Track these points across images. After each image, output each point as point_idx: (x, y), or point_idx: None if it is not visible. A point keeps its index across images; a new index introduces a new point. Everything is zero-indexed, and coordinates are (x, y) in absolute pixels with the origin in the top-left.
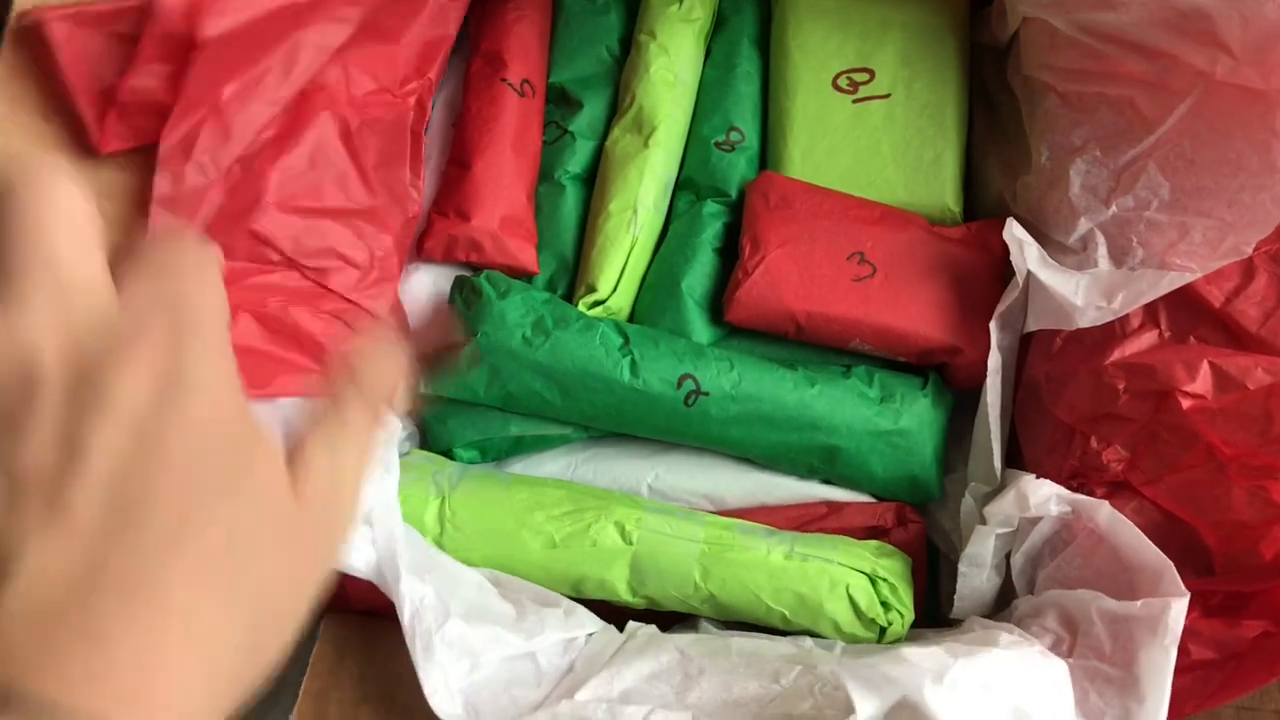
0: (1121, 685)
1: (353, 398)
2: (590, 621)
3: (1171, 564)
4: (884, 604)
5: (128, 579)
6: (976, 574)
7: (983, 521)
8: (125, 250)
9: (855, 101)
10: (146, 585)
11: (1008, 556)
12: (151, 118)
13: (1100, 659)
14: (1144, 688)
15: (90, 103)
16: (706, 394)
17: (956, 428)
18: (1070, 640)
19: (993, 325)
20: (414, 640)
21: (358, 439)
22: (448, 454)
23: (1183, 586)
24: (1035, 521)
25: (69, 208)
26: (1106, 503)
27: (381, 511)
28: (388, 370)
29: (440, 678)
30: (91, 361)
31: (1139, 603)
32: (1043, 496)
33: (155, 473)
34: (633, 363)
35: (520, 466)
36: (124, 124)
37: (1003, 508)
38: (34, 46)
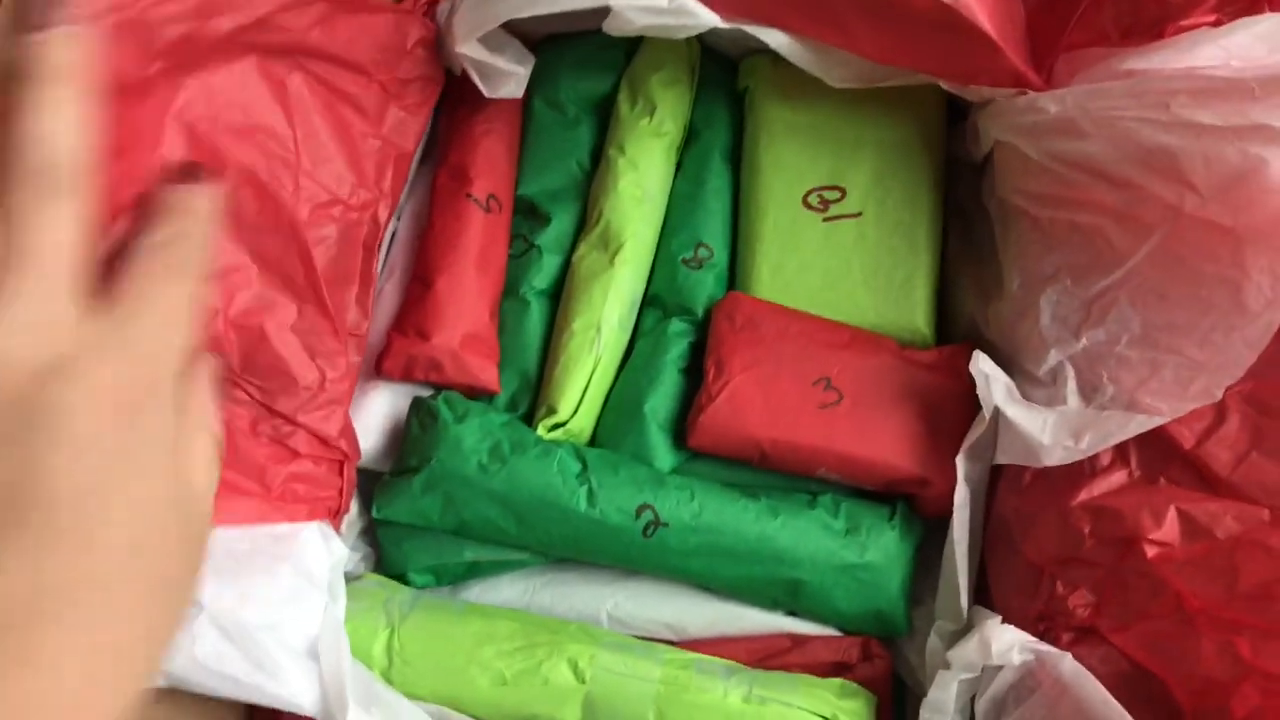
0: None
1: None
2: None
3: None
4: None
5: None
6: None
7: (946, 665)
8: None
9: (826, 220)
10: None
11: (973, 700)
12: None
13: None
14: None
15: None
16: (666, 525)
17: (925, 557)
18: None
19: (959, 460)
20: None
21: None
22: (402, 578)
23: None
24: (999, 668)
25: None
26: (1069, 655)
27: (329, 643)
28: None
29: None
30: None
31: None
32: (1006, 644)
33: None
34: (590, 491)
35: (477, 591)
36: None
37: (965, 653)
38: None
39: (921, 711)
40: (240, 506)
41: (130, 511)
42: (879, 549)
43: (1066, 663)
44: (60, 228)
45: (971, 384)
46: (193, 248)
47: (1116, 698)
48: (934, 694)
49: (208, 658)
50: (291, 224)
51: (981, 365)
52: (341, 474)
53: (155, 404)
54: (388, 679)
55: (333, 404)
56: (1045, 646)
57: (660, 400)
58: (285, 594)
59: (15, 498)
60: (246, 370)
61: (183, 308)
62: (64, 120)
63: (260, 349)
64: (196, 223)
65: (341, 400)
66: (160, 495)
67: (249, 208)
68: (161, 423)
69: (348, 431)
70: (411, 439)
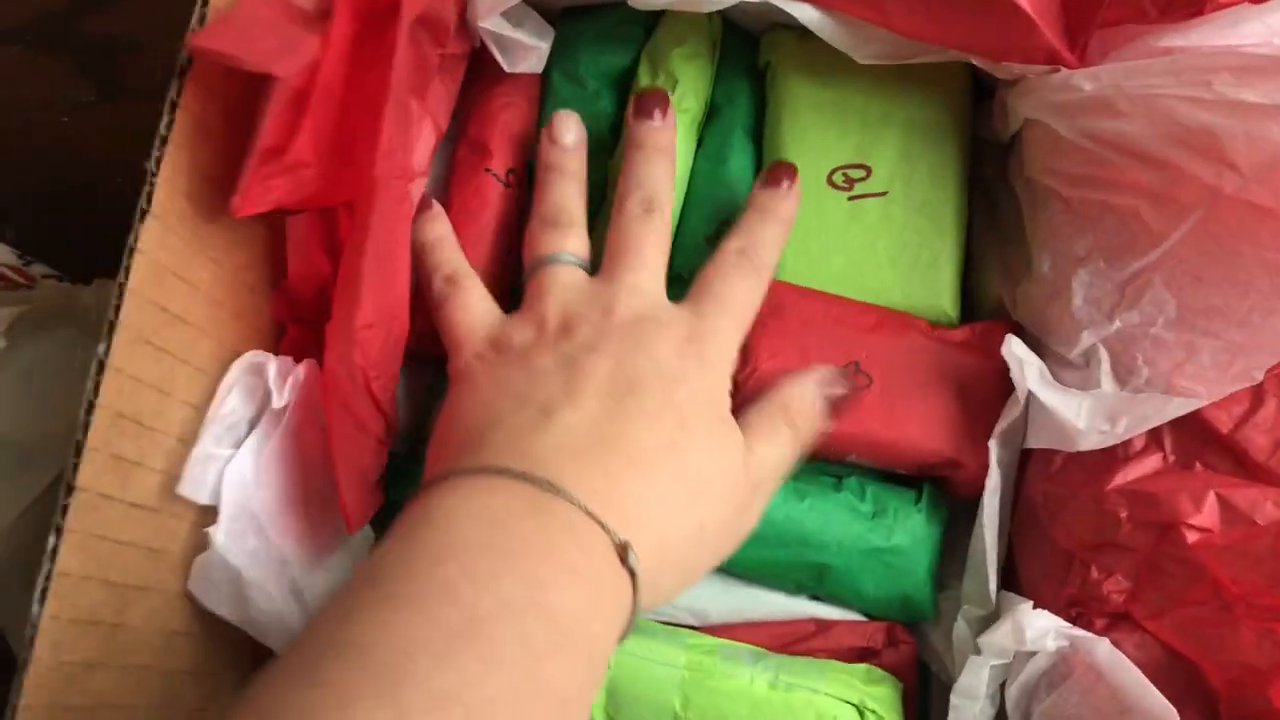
0: None
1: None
2: None
3: (1174, 709)
4: None
5: (624, 439)
6: (970, 706)
7: (976, 651)
8: None
9: (851, 199)
10: (632, 445)
11: (1002, 686)
12: (289, 180)
13: None
14: None
15: (255, 160)
16: None
17: (952, 541)
18: None
19: (992, 444)
20: None
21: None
22: None
23: None
24: (1032, 654)
25: None
26: (1106, 640)
27: None
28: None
29: None
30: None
31: None
32: (1039, 630)
33: (640, 373)
34: None
35: None
36: (265, 185)
37: (997, 639)
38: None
39: (952, 698)
40: None
41: (689, 413)
42: (906, 532)
43: (1103, 648)
44: (652, 236)
45: (1004, 362)
46: (763, 250)
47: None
48: (964, 680)
49: (279, 606)
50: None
51: (1014, 349)
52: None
53: (712, 363)
54: None
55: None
56: (1080, 632)
57: None
58: (344, 566)
59: (616, 381)
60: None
61: (748, 309)
62: (665, 175)
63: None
64: (771, 227)
65: (393, 381)
66: (709, 416)
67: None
68: (714, 375)
69: (391, 412)
70: (426, 422)
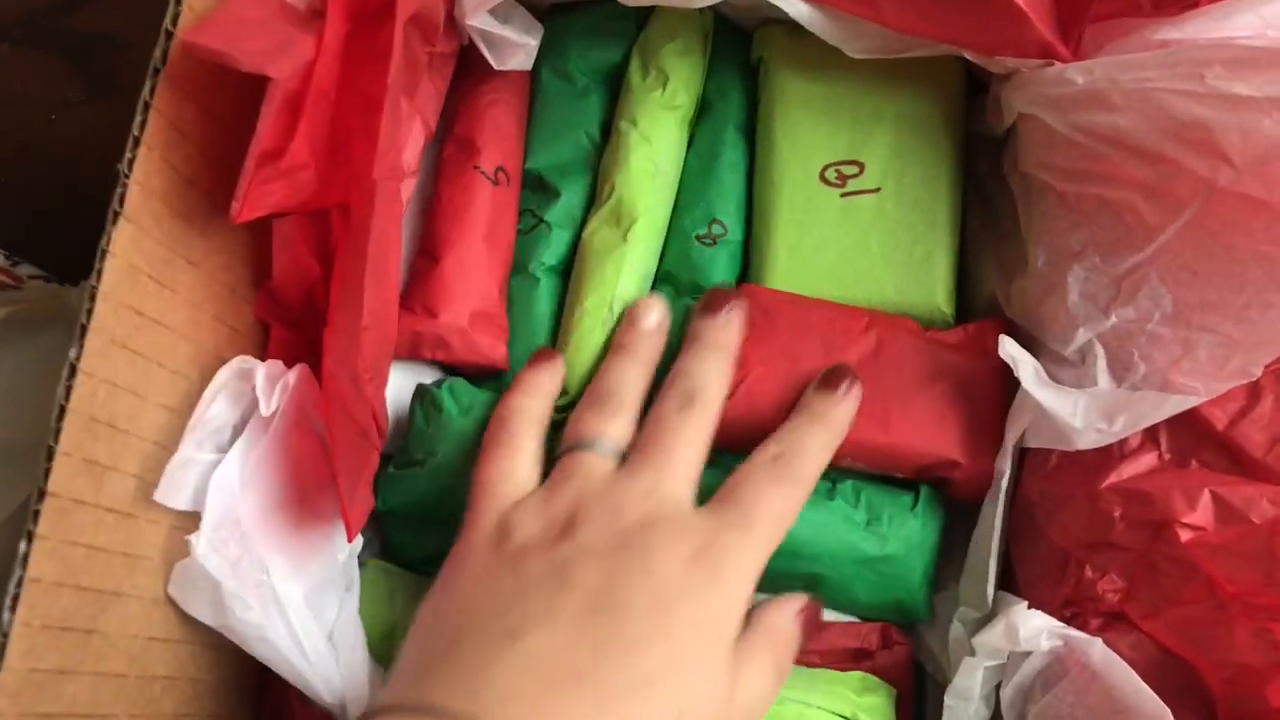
0: None
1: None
2: None
3: (1168, 710)
4: None
5: (597, 672)
6: (964, 708)
7: (971, 652)
8: None
9: (843, 195)
10: (604, 679)
11: (998, 687)
12: (287, 184)
13: None
14: None
15: (253, 164)
16: None
17: (949, 543)
18: None
19: (1006, 448)
20: None
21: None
22: (408, 566)
23: None
24: (1026, 655)
25: None
26: (1100, 640)
27: (347, 634)
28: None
29: None
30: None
31: None
32: (1033, 630)
33: (632, 590)
34: None
35: None
36: (263, 190)
37: (991, 639)
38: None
39: (946, 699)
40: None
41: (682, 640)
42: (900, 540)
43: (1097, 649)
44: (686, 432)
45: (999, 360)
46: (805, 458)
47: (1149, 686)
48: (959, 681)
49: (257, 617)
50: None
51: (1009, 349)
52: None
53: (724, 582)
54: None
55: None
56: (1074, 632)
57: None
58: (323, 574)
59: (602, 596)
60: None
61: (776, 523)
62: (715, 372)
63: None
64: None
65: (384, 383)
66: (708, 644)
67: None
68: (724, 596)
69: (383, 416)
70: (416, 431)
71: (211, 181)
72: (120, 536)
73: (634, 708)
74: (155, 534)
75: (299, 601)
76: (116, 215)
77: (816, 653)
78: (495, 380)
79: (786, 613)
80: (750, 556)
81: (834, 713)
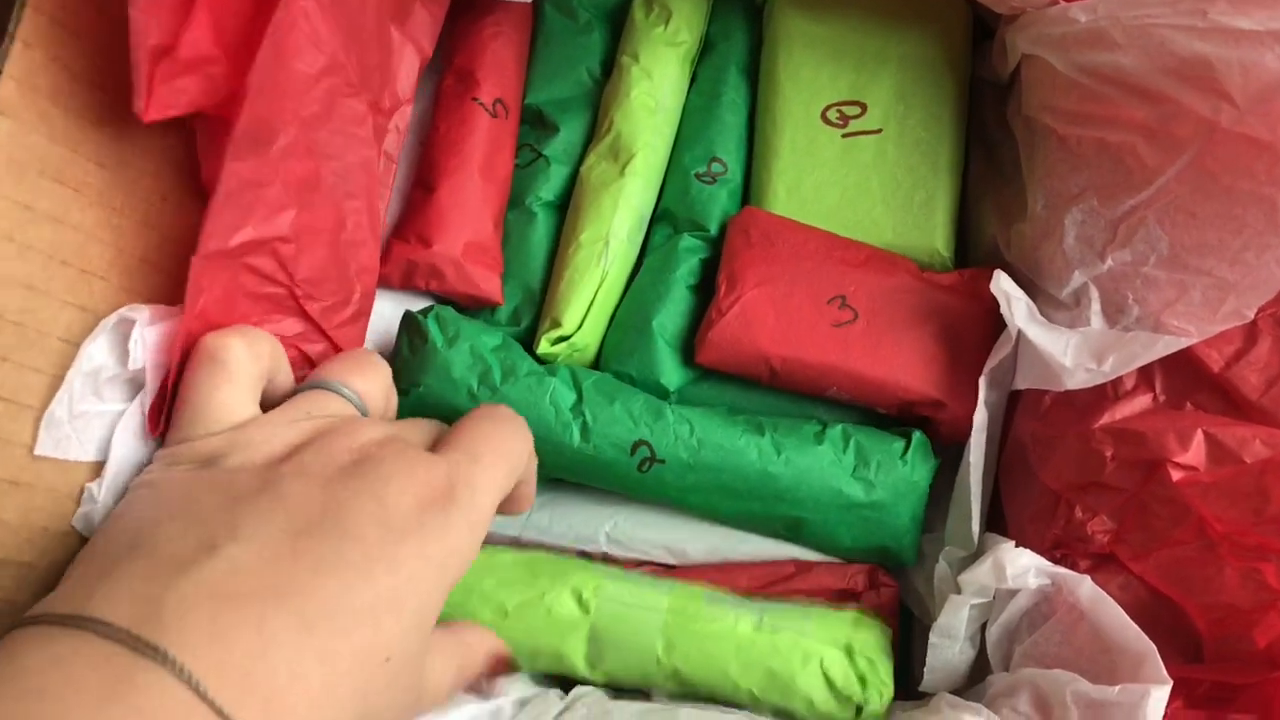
0: None
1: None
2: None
3: (1154, 647)
4: (861, 680)
5: (306, 596)
6: (949, 646)
7: (957, 590)
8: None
9: (845, 136)
10: (317, 610)
11: (984, 628)
12: (200, 79)
13: None
14: None
15: (143, 59)
16: (662, 462)
17: (937, 485)
18: None
19: (982, 382)
20: None
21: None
22: None
23: (1165, 673)
24: (1013, 593)
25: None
26: (1088, 578)
27: None
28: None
29: None
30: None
31: (1117, 688)
32: (1021, 568)
33: (353, 516)
34: (584, 425)
35: None
36: (172, 87)
37: (978, 577)
38: None
39: (931, 637)
40: None
41: (410, 579)
42: (888, 487)
43: (1085, 586)
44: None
45: (992, 308)
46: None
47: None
48: (943, 619)
49: None
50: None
51: (1003, 285)
52: None
53: (456, 527)
54: None
55: (361, 318)
56: (1062, 570)
57: (669, 317)
58: None
59: (327, 517)
60: (308, 280)
61: (506, 460)
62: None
63: (322, 258)
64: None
65: (367, 315)
66: (431, 593)
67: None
68: (454, 541)
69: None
70: (401, 360)
71: (124, 85)
72: (16, 427)
73: (343, 640)
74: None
75: None
76: None
77: (803, 591)
78: (488, 313)
79: (486, 641)
80: (484, 499)
81: (829, 642)
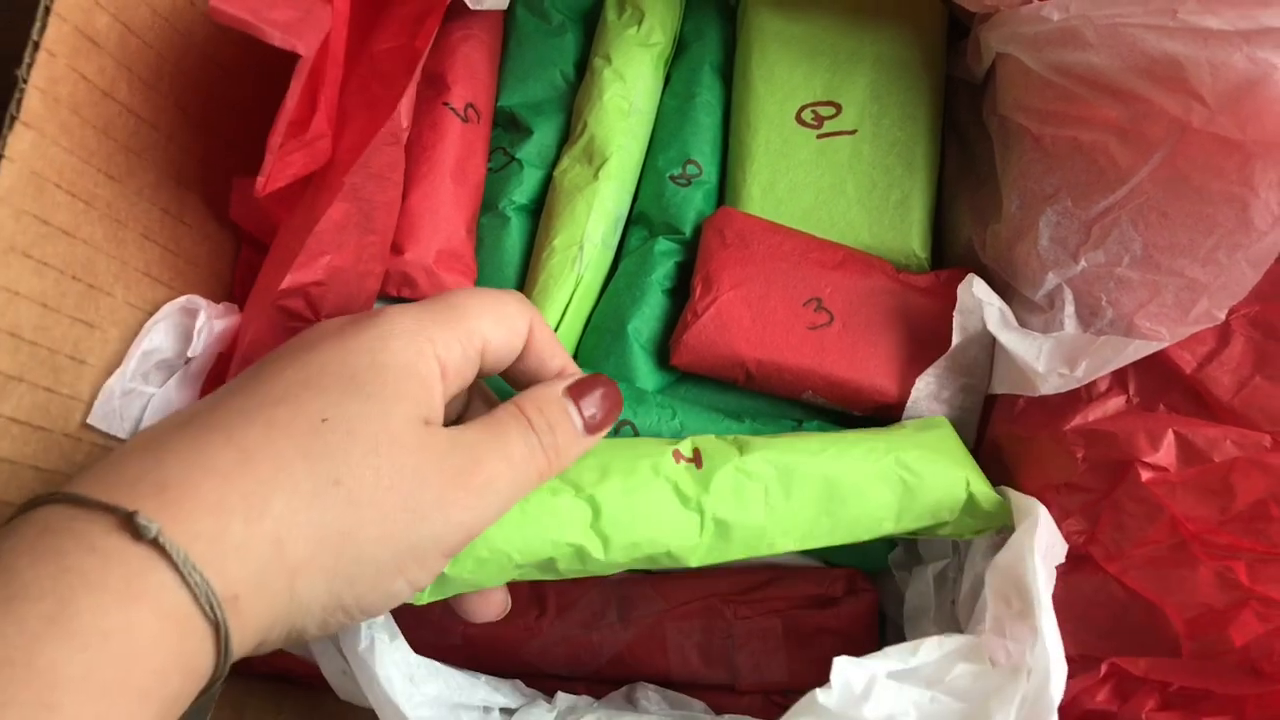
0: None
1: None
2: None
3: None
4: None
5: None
6: (920, 625)
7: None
8: None
9: (820, 137)
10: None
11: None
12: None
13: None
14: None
15: (278, 142)
16: None
17: None
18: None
19: (920, 379)
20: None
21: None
22: None
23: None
24: (965, 553)
25: None
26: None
27: None
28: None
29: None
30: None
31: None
32: None
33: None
34: None
35: None
36: (285, 161)
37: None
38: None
39: (905, 619)
40: None
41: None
42: None
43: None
44: None
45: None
46: None
47: (1111, 627)
48: (912, 595)
49: None
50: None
51: (975, 290)
52: None
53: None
54: None
55: None
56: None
57: (644, 320)
58: None
59: None
60: (328, 315)
61: None
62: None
63: (343, 294)
64: None
65: None
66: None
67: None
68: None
69: None
70: None
71: (134, 97)
72: (30, 450)
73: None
74: (74, 450)
75: None
76: (14, 120)
77: (781, 598)
78: None
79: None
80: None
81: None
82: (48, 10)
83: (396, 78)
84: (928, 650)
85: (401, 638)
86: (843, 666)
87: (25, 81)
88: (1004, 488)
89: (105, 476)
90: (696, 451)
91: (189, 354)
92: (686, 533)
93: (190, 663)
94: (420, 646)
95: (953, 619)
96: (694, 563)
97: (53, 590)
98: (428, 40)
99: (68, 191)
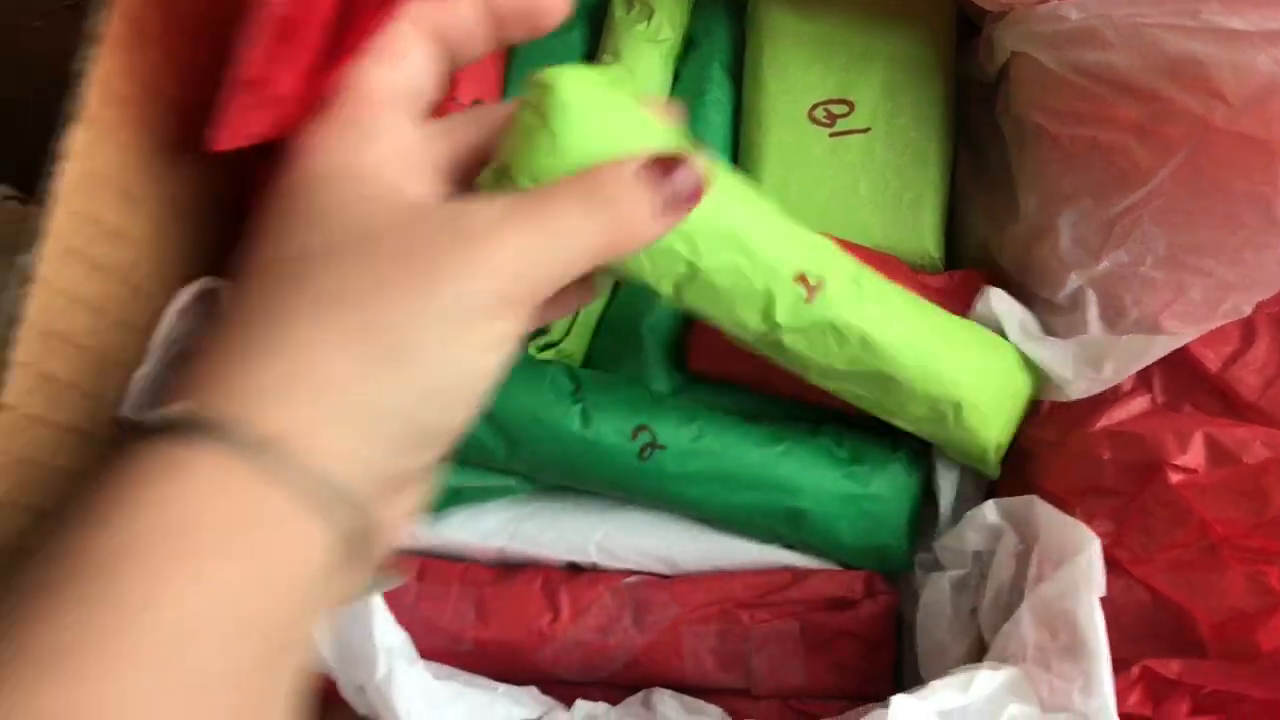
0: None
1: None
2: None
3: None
4: None
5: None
6: (936, 627)
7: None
8: None
9: (832, 135)
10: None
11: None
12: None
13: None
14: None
15: (234, 90)
16: (663, 448)
17: (932, 498)
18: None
19: None
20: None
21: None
22: None
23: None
24: (989, 561)
25: None
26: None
27: None
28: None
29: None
30: None
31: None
32: (979, 511)
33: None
34: (584, 411)
35: (460, 519)
36: (246, 116)
37: (948, 542)
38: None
39: (918, 618)
40: None
41: None
42: (884, 480)
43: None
44: None
45: (978, 312)
46: None
47: (1138, 631)
48: (927, 598)
49: None
50: None
51: (994, 304)
52: None
53: None
54: None
55: None
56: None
57: (659, 320)
58: None
59: None
60: None
61: None
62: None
63: None
64: None
65: None
66: None
67: None
68: None
69: None
70: None
71: (177, 90)
72: (78, 457)
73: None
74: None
75: None
76: (71, 117)
77: (798, 601)
78: None
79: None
80: None
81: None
82: (108, 2)
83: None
84: (980, 685)
85: (419, 662)
86: (900, 705)
87: (83, 77)
88: (1051, 508)
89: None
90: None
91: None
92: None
93: (275, 515)
94: (431, 652)
95: (971, 626)
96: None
97: (110, 483)
98: None
99: (119, 191)
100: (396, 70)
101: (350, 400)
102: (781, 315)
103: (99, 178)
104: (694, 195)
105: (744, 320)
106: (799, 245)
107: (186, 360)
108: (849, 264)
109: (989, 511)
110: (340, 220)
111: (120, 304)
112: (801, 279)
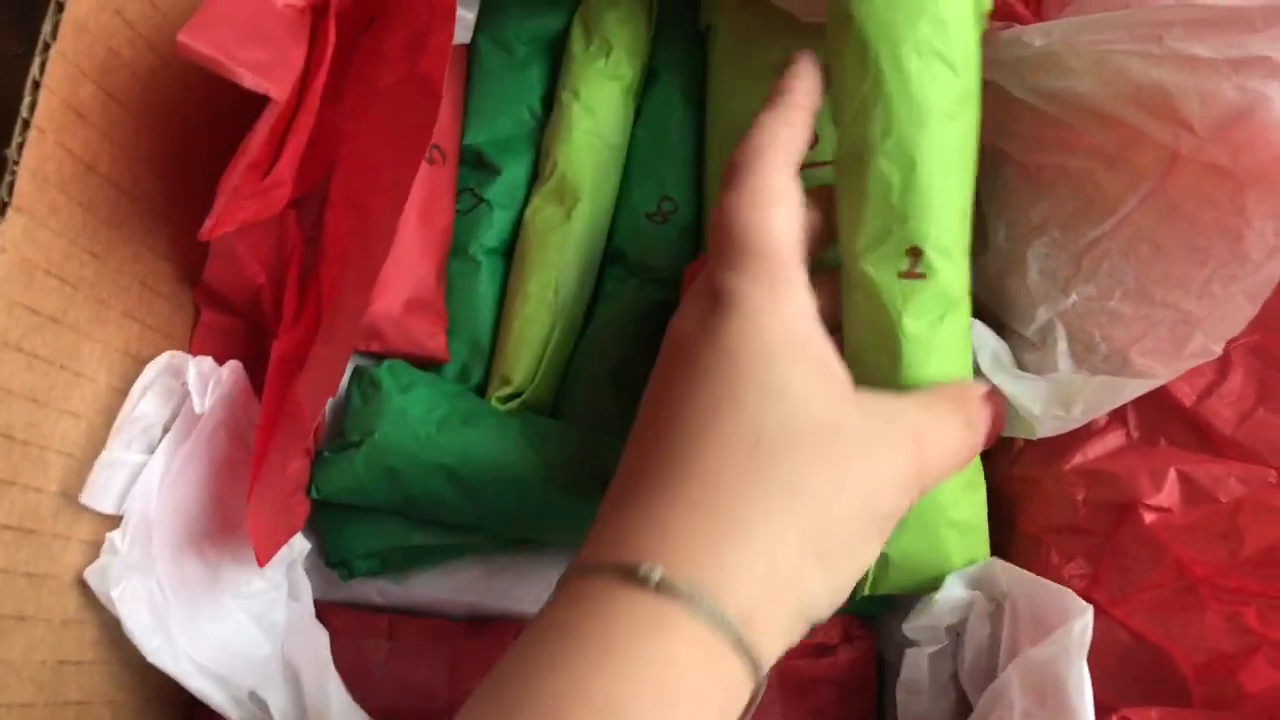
0: None
1: None
2: None
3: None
4: None
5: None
6: (916, 701)
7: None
8: None
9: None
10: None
11: (956, 676)
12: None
13: None
14: None
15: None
16: None
17: None
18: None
19: None
20: None
21: None
22: (345, 565)
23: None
24: (961, 628)
25: None
26: (999, 560)
27: (302, 645)
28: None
29: None
30: None
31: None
32: (948, 596)
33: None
34: (549, 466)
35: (427, 577)
36: (236, 208)
37: (919, 621)
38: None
39: (898, 694)
40: None
41: None
42: None
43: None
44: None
45: None
46: None
47: (1117, 672)
48: (906, 674)
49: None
50: None
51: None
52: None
53: None
54: None
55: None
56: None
57: (627, 365)
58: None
59: None
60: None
61: None
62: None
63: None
64: None
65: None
66: None
67: None
68: None
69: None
70: (352, 411)
71: (114, 167)
72: (22, 556)
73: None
74: (63, 550)
75: (182, 614)
76: (4, 206)
77: None
78: (435, 371)
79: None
80: None
81: None
82: (36, 85)
83: (415, 107)
84: None
85: None
86: None
87: (16, 163)
88: (1042, 579)
89: (601, 542)
90: None
91: (197, 410)
92: None
93: (726, 680)
94: (404, 713)
95: (950, 689)
96: None
97: (600, 632)
98: (439, 58)
99: (56, 276)
100: (796, 219)
101: (794, 592)
102: None
103: (34, 265)
104: (999, 430)
105: None
106: None
107: (136, 439)
108: None
109: (955, 588)
110: (791, 405)
111: (62, 392)
112: None
